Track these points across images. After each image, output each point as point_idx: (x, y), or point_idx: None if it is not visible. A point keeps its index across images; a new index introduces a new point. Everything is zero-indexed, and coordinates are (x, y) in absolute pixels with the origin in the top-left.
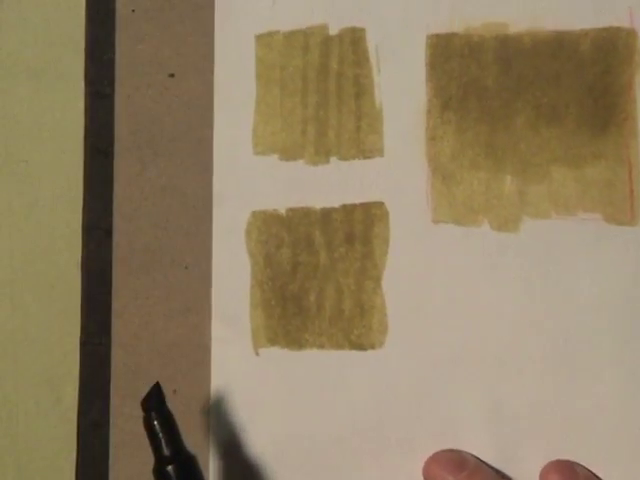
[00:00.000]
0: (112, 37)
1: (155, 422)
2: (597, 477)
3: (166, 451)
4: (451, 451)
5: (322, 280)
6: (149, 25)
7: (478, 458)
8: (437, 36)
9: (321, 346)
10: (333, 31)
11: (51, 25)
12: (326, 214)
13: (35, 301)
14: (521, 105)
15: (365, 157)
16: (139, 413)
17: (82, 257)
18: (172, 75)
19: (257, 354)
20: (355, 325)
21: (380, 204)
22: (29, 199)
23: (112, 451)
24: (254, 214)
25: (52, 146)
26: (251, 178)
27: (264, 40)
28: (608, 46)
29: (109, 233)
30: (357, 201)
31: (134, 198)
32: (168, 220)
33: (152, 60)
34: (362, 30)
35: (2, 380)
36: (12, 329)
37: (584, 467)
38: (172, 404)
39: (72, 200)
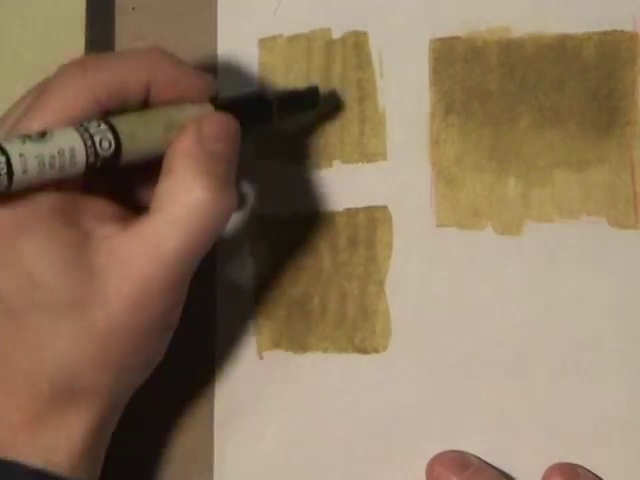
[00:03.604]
0: (112, 35)
1: None
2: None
3: None
4: (454, 452)
5: (325, 284)
6: (149, 23)
7: (481, 459)
8: (440, 40)
9: (325, 350)
10: (336, 35)
11: (51, 22)
12: (329, 218)
13: None
14: (524, 109)
15: (368, 161)
16: (138, 412)
17: None
18: None
19: (261, 357)
20: (359, 329)
21: (383, 208)
22: None
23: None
24: (258, 218)
25: None
26: (255, 182)
27: (267, 44)
28: (611, 50)
29: None
30: (360, 205)
31: None
32: None
33: None
34: (365, 34)
35: None
36: None
37: (587, 470)
38: (171, 402)
39: None
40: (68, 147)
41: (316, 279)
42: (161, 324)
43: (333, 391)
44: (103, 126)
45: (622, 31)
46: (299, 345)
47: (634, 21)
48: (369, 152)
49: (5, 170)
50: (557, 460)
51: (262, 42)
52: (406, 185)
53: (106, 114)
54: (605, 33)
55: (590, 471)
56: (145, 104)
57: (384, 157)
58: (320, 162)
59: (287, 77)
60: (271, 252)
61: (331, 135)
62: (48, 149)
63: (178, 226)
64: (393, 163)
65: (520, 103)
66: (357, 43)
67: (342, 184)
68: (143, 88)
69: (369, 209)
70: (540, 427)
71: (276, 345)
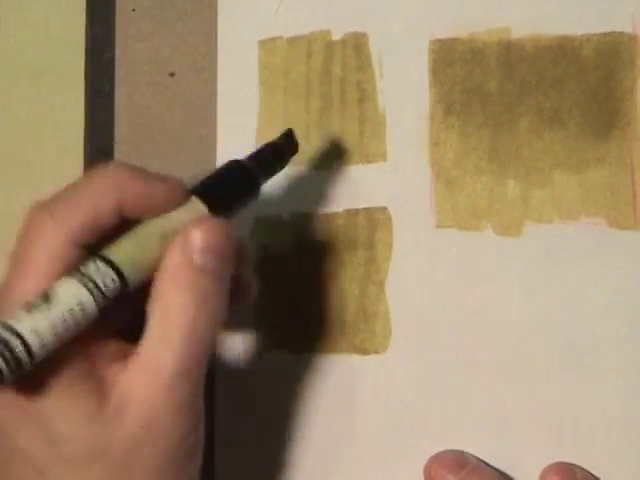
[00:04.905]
0: (112, 36)
1: None
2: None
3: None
4: (452, 451)
5: (326, 285)
6: (149, 24)
7: (480, 459)
8: (440, 41)
9: (325, 350)
10: (336, 36)
11: (52, 24)
12: (329, 219)
13: None
14: (524, 110)
15: (368, 162)
16: None
17: None
18: (172, 74)
19: (261, 358)
20: (359, 330)
21: (383, 209)
22: (29, 199)
23: None
24: (258, 219)
25: (52, 145)
26: None
27: (267, 46)
28: (610, 51)
29: None
30: (360, 206)
31: None
32: None
33: (152, 59)
34: (365, 35)
35: None
36: None
37: (584, 469)
38: None
39: None
40: (76, 302)
41: (316, 280)
42: (184, 448)
43: (333, 391)
44: (101, 264)
45: (621, 32)
46: (299, 345)
47: (633, 22)
48: (369, 153)
49: (23, 352)
50: (556, 460)
51: (262, 43)
52: (406, 186)
53: (91, 248)
54: (604, 34)
55: (588, 471)
56: (121, 220)
57: (384, 158)
58: (320, 163)
59: (287, 78)
60: (271, 253)
61: (331, 136)
62: (57, 313)
63: (171, 349)
64: (393, 164)
65: (520, 104)
66: (357, 44)
67: (342, 185)
68: (116, 211)
69: (369, 210)
70: (539, 427)
71: (276, 345)
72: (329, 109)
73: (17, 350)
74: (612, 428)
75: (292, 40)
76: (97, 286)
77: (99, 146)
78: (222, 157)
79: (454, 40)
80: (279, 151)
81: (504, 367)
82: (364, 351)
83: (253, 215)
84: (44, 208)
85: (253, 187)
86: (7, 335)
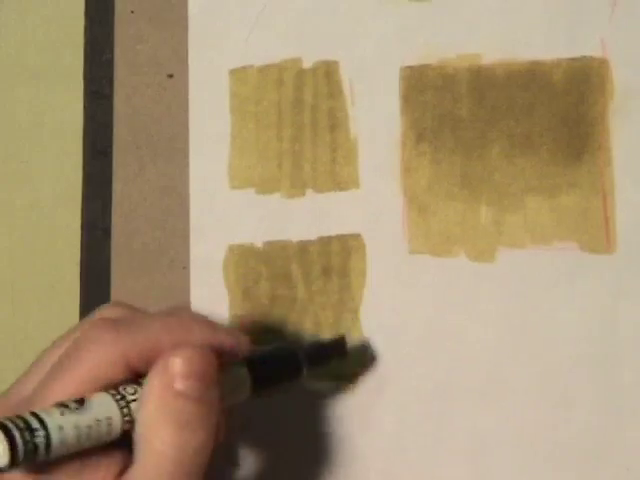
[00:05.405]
0: (111, 37)
1: None
2: None
3: None
4: None
5: (300, 313)
6: (148, 26)
7: None
8: (411, 68)
9: None
10: (307, 64)
11: (51, 25)
12: (303, 247)
13: (35, 301)
14: (495, 135)
15: (341, 189)
16: None
17: (81, 257)
18: (171, 76)
19: None
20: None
21: (356, 236)
22: (29, 199)
23: None
24: (231, 248)
25: (52, 146)
26: (228, 212)
27: (238, 74)
28: (581, 76)
29: (108, 233)
30: (333, 233)
31: (133, 198)
32: (166, 220)
33: (151, 60)
34: (335, 63)
35: (2, 380)
36: (12, 329)
37: None
38: None
39: (71, 200)
40: (105, 417)
41: (290, 308)
42: None
43: (311, 419)
44: (139, 392)
45: (591, 57)
46: None
47: (603, 47)
48: (342, 180)
49: (43, 441)
50: None
51: (233, 73)
52: (379, 213)
53: (138, 376)
54: (574, 59)
55: None
56: None
57: (356, 185)
58: (293, 191)
59: (258, 107)
60: (245, 281)
61: (304, 164)
62: (86, 420)
63: (155, 477)
64: (365, 191)
65: (491, 130)
66: (328, 72)
67: (315, 212)
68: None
69: (342, 237)
70: (515, 452)
71: None
72: (301, 137)
73: (37, 436)
74: (588, 452)
75: (263, 69)
76: (129, 409)
77: (98, 146)
78: (195, 188)
79: (425, 66)
80: (327, 351)
81: (479, 392)
82: (339, 378)
83: (227, 244)
84: (111, 324)
85: (295, 368)
86: (33, 421)
